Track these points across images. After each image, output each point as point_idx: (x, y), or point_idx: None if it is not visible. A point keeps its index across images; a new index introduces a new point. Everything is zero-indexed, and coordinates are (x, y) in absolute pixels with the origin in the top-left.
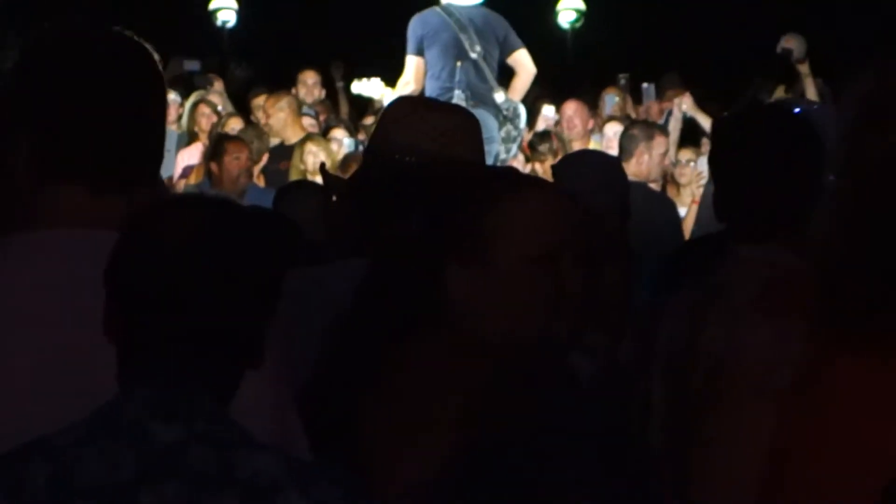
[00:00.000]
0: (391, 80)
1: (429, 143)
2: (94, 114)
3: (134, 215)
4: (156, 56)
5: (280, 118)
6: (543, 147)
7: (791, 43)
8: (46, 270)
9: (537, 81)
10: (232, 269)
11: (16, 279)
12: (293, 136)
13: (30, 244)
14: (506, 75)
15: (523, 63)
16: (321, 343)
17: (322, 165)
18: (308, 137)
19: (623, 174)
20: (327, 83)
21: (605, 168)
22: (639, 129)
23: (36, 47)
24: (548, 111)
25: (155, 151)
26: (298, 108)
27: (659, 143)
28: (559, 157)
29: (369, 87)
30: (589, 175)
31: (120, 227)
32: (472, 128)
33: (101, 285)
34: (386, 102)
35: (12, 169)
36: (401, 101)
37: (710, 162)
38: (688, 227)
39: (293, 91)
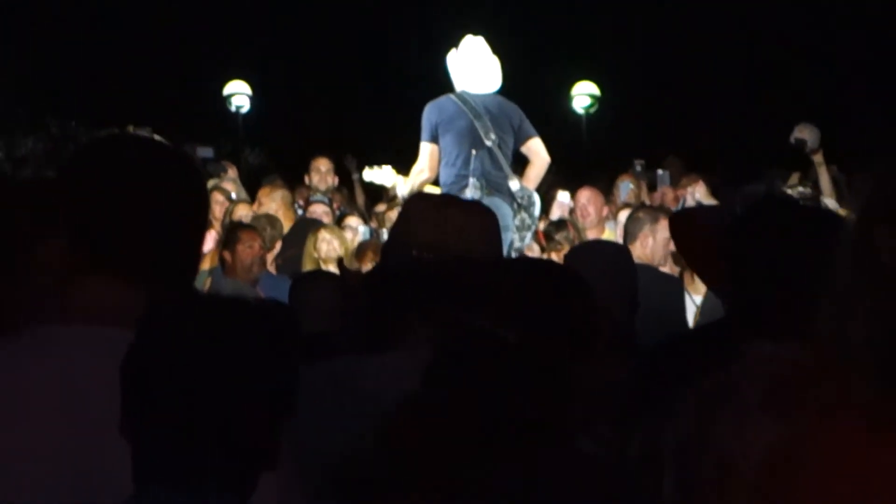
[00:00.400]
0: (403, 168)
1: (447, 240)
2: (129, 215)
3: (148, 314)
4: (196, 165)
5: (271, 208)
6: (560, 236)
7: (804, 133)
8: (65, 363)
9: (552, 168)
10: (245, 370)
11: (35, 371)
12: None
13: (53, 336)
14: (520, 163)
15: (537, 151)
16: (371, 436)
17: (340, 260)
18: (322, 225)
19: (632, 264)
20: (341, 171)
21: (616, 258)
22: (644, 212)
23: (82, 149)
24: (563, 197)
25: (189, 253)
26: (292, 202)
27: (663, 226)
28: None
29: (381, 175)
30: (599, 264)
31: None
32: (489, 225)
33: (117, 381)
34: (399, 190)
35: (47, 260)
36: (420, 198)
37: (721, 254)
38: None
39: (306, 178)
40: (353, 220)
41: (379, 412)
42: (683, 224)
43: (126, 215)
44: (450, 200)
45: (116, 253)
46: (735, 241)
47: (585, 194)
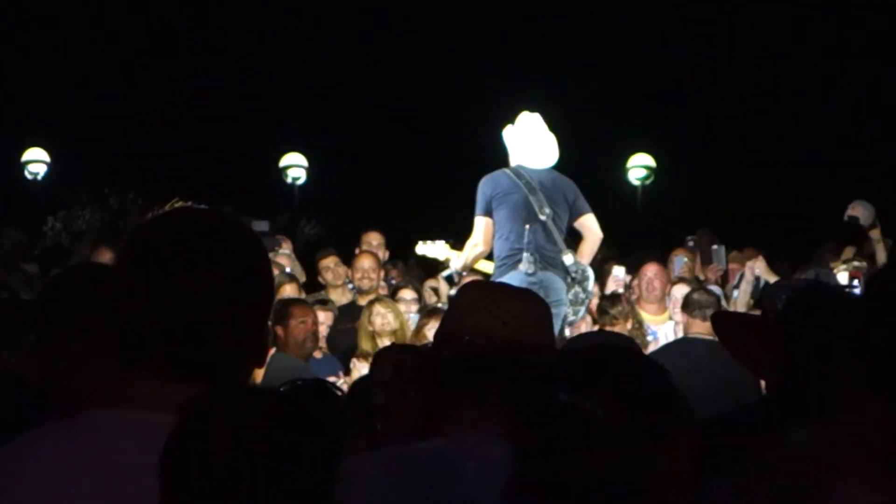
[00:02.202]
0: (458, 242)
1: (500, 327)
2: (178, 306)
3: (186, 408)
4: (260, 244)
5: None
6: (615, 311)
7: (857, 211)
8: (118, 448)
9: (605, 242)
10: (282, 467)
11: (89, 454)
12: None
13: (107, 420)
14: (574, 237)
15: (591, 228)
16: None
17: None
18: (376, 299)
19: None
20: (393, 245)
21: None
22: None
23: (138, 231)
24: (618, 272)
25: (248, 343)
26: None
27: None
28: (629, 320)
29: (434, 250)
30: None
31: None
32: (542, 313)
33: (151, 470)
34: (452, 264)
35: (101, 346)
36: (473, 286)
37: (768, 340)
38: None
39: (357, 251)
40: (407, 293)
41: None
42: (725, 321)
43: (180, 308)
44: (501, 287)
45: (166, 348)
46: (775, 334)
47: (653, 269)
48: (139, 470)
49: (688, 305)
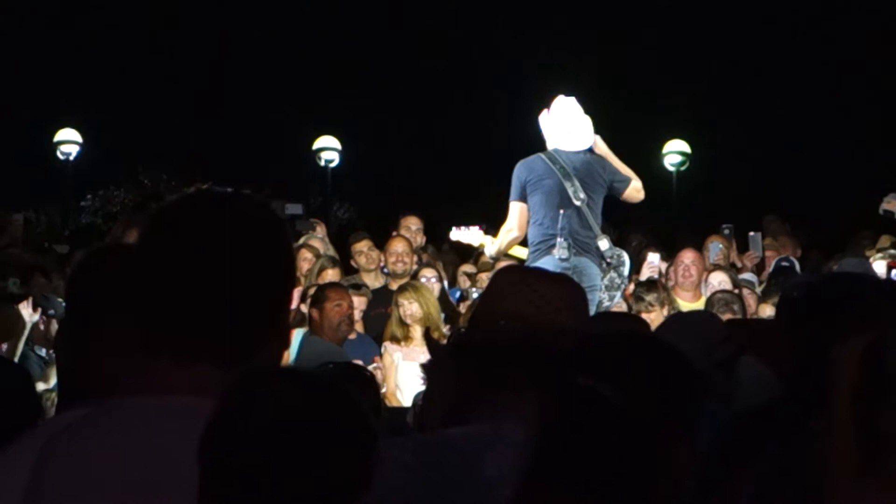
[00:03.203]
0: (493, 227)
1: (534, 312)
2: (194, 288)
3: (226, 390)
4: (283, 227)
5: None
6: (651, 297)
7: (893, 205)
8: (148, 434)
9: (641, 228)
10: (323, 448)
11: (118, 441)
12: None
13: (135, 407)
14: (608, 221)
15: (634, 196)
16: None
17: (427, 332)
18: (402, 288)
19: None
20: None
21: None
22: None
23: (156, 215)
24: (653, 258)
25: (272, 325)
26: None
27: None
28: (665, 307)
29: (468, 235)
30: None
31: (214, 397)
32: (577, 298)
33: (187, 455)
34: (487, 250)
35: (116, 336)
36: (508, 270)
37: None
38: None
39: (395, 234)
40: (427, 272)
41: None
42: (740, 329)
43: (196, 291)
44: (536, 272)
45: (187, 334)
46: (787, 329)
47: (690, 255)
48: (175, 455)
49: (711, 306)
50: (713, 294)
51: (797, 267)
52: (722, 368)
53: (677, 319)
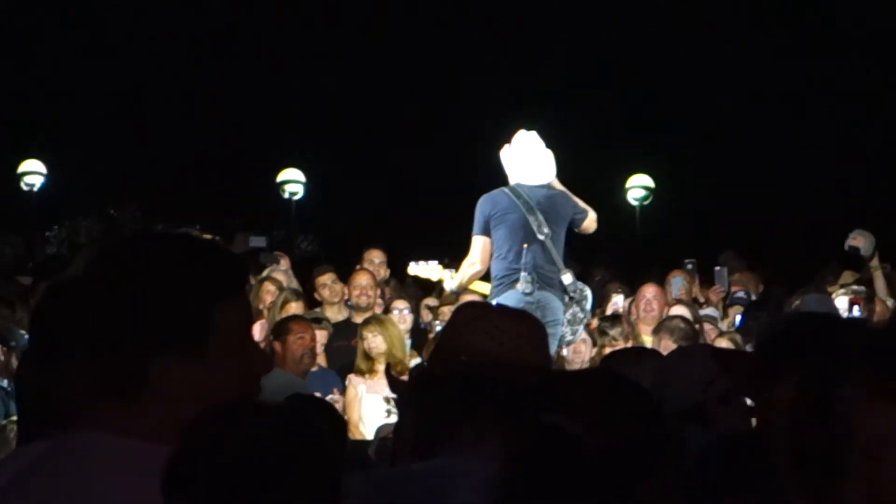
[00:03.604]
0: (456, 260)
1: (495, 348)
2: (128, 324)
3: (191, 425)
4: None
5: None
6: (615, 332)
7: (858, 241)
8: (88, 475)
9: (604, 263)
10: (290, 481)
11: (57, 478)
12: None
13: (82, 444)
14: (574, 250)
15: (589, 227)
16: None
17: (388, 368)
18: (366, 321)
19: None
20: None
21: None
22: None
23: (102, 251)
24: (618, 299)
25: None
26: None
27: None
28: (629, 341)
29: (427, 270)
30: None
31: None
32: (538, 333)
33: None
34: (447, 285)
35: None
36: (470, 306)
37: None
38: None
39: (358, 268)
40: (400, 303)
41: None
42: (726, 357)
43: (137, 331)
44: (497, 308)
45: (122, 369)
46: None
47: (651, 290)
48: (113, 497)
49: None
50: (667, 320)
51: (752, 299)
52: (722, 402)
53: (680, 353)
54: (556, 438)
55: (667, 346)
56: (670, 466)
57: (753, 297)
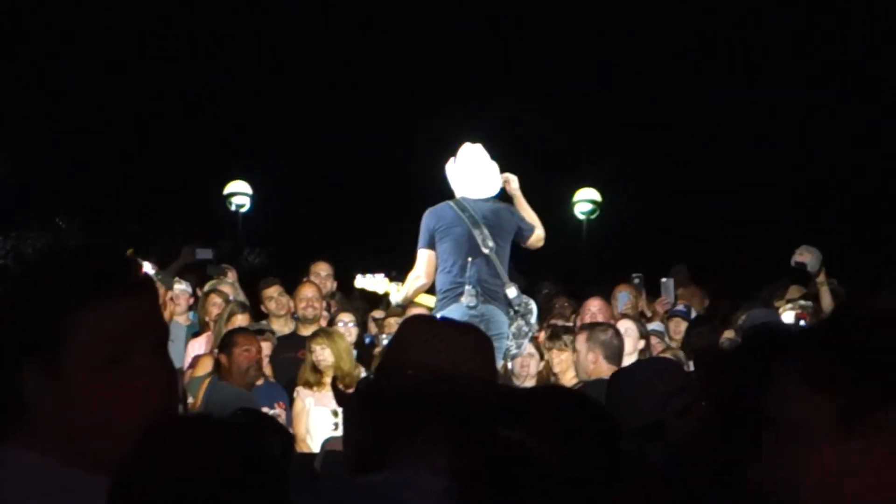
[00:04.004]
0: (402, 273)
1: (442, 361)
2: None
3: (136, 442)
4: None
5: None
6: (567, 337)
7: (805, 257)
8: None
9: (551, 276)
10: (236, 495)
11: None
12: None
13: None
14: (520, 265)
15: (536, 242)
16: None
17: (334, 381)
18: (315, 334)
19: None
20: (339, 275)
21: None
22: None
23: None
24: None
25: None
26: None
27: None
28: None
29: (373, 283)
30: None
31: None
32: (484, 347)
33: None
34: (392, 298)
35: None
36: (416, 319)
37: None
38: None
39: (305, 280)
40: (345, 316)
41: None
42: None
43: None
44: (443, 322)
45: None
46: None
47: (596, 304)
48: None
49: (606, 347)
50: (600, 331)
51: (692, 314)
52: (680, 417)
53: (640, 366)
54: (514, 453)
55: (595, 357)
56: (627, 483)
57: (694, 314)
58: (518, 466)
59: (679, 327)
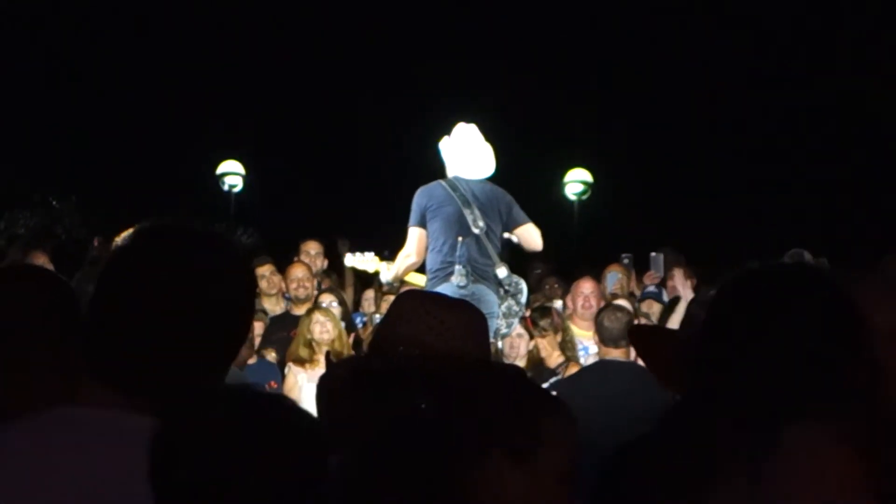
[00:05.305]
0: (394, 252)
1: (433, 338)
2: (142, 324)
3: (177, 411)
4: (242, 262)
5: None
6: (545, 322)
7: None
8: (83, 445)
9: (542, 256)
10: (277, 464)
11: (54, 449)
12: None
13: (72, 417)
14: (509, 250)
15: (528, 240)
16: None
17: (328, 354)
18: (316, 307)
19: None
20: (331, 254)
21: None
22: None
23: (117, 251)
24: (558, 304)
25: (223, 354)
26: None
27: None
28: (559, 332)
29: (363, 262)
30: None
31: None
32: (476, 324)
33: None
34: (383, 276)
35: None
36: (409, 295)
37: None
38: None
39: (295, 260)
40: (326, 298)
41: None
42: (641, 336)
43: (143, 327)
44: (437, 298)
45: (127, 363)
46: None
47: (588, 286)
48: (111, 467)
49: (600, 331)
50: (602, 319)
51: (664, 296)
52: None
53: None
54: (410, 424)
55: (607, 350)
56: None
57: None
58: (408, 437)
59: (651, 308)
